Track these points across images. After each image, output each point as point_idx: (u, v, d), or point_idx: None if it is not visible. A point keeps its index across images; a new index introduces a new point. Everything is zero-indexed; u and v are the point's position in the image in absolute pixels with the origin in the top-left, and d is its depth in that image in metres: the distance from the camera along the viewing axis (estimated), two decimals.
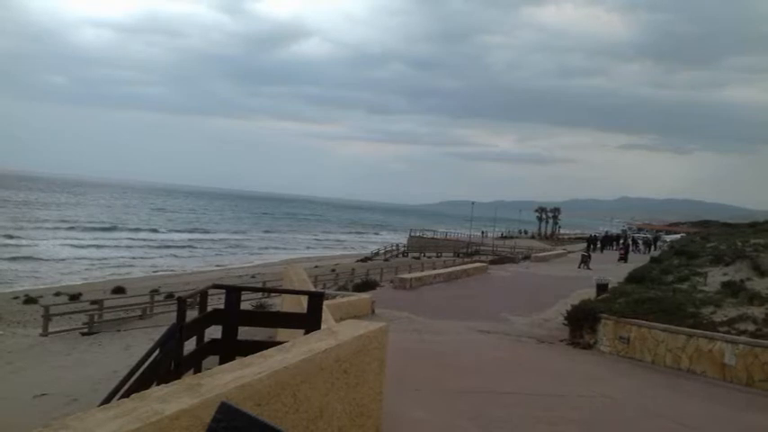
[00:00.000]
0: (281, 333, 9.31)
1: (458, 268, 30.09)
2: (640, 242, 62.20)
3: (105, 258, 55.68)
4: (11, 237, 63.13)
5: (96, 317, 22.47)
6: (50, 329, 21.31)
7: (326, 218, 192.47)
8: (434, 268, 34.41)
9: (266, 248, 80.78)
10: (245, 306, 8.40)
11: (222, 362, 6.15)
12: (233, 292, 6.46)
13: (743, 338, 11.19)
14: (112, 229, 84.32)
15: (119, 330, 21.80)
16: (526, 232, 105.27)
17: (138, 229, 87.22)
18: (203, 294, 6.54)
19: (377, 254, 64.84)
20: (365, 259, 60.04)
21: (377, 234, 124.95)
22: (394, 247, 68.77)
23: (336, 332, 4.77)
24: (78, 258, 54.01)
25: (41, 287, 37.52)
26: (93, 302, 24.82)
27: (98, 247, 63.61)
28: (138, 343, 17.57)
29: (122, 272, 48.42)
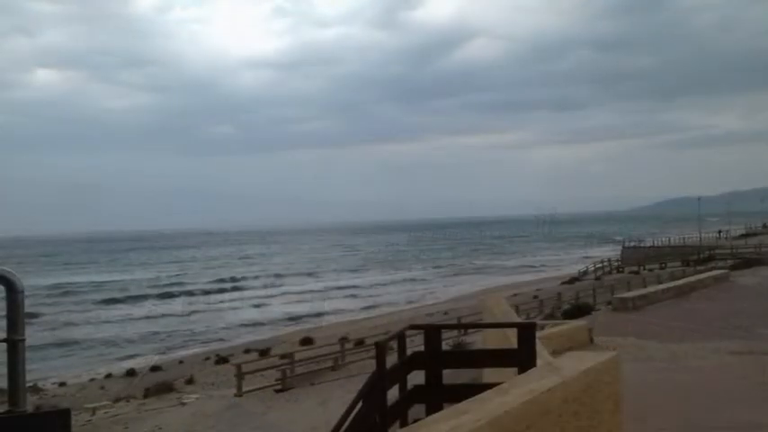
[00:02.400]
0: (488, 374, 9.28)
1: (690, 279, 28.29)
2: None
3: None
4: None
5: (288, 371, 24.02)
6: (244, 388, 23.16)
7: (521, 237, 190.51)
8: (659, 282, 32.76)
9: (456, 276, 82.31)
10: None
11: (429, 410, 6.26)
12: (433, 332, 6.58)
13: None
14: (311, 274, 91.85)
15: (312, 384, 23.12)
16: None
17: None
18: (401, 337, 6.72)
19: (585, 273, 62.67)
20: (572, 280, 58.26)
21: (583, 249, 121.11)
22: (605, 263, 65.98)
23: (559, 368, 4.65)
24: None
25: (229, 345, 41.12)
26: (282, 357, 26.63)
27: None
28: (335, 397, 18.49)
29: (309, 321, 51.66)
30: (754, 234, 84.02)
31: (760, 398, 9.79)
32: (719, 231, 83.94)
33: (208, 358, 35.21)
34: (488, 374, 9.06)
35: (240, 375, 23.46)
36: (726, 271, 31.50)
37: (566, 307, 31.61)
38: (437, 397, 6.39)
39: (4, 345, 3.61)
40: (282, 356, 26.80)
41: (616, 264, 66.79)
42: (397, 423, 6.25)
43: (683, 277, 33.22)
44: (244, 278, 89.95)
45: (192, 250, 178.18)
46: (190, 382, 27.85)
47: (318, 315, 55.23)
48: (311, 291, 74.03)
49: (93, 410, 23.42)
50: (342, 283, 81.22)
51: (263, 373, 25.18)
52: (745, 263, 42.05)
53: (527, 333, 6.42)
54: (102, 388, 29.52)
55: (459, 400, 3.99)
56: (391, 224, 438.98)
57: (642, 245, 77.76)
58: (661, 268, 57.24)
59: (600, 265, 65.53)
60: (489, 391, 4.07)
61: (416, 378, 6.73)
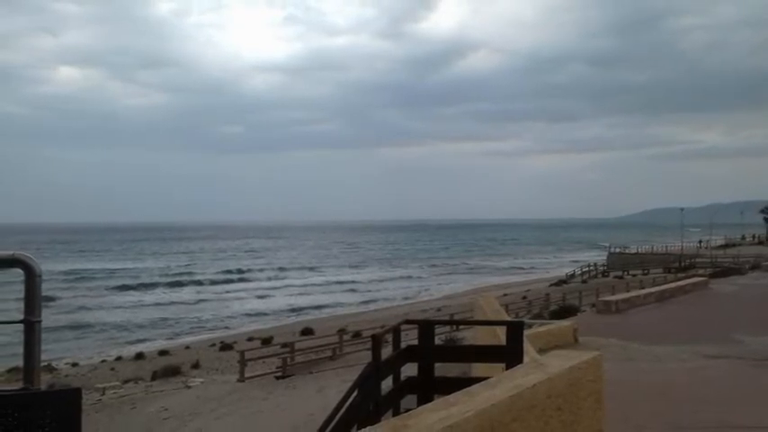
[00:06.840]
0: (477, 368, 9.27)
1: (671, 285, 28.15)
2: None
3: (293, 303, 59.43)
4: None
5: (288, 360, 24.05)
6: (246, 374, 23.17)
7: (514, 240, 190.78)
8: (642, 287, 32.65)
9: (450, 274, 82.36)
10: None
11: (420, 401, 6.26)
12: (426, 327, 6.58)
13: None
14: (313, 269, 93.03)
15: (311, 372, 23.12)
16: (754, 237, 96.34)
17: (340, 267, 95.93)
18: (396, 331, 6.72)
19: (572, 276, 62.72)
20: (559, 282, 58.32)
21: (571, 253, 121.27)
22: (592, 267, 65.99)
23: (544, 364, 4.65)
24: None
25: (233, 333, 41.18)
26: (283, 345, 26.65)
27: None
28: (331, 385, 18.48)
29: (310, 313, 51.76)
30: (733, 245, 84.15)
31: (735, 400, 9.79)
32: (700, 241, 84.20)
33: (213, 345, 35.24)
34: (477, 369, 9.05)
35: (243, 362, 23.49)
36: (705, 279, 31.37)
37: (553, 307, 31.63)
38: (428, 388, 6.38)
39: (22, 326, 3.61)
40: (283, 345, 26.84)
41: (602, 268, 66.83)
42: (390, 412, 6.26)
43: (665, 283, 33.22)
44: (249, 270, 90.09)
45: (202, 242, 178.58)
46: (195, 366, 27.89)
47: (319, 307, 55.35)
48: (313, 284, 74.18)
49: (104, 390, 23.45)
50: (342, 278, 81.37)
51: (265, 360, 25.22)
52: (724, 272, 41.89)
53: (515, 331, 6.42)
54: (113, 369, 29.55)
55: (449, 393, 3.98)
56: (391, 224, 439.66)
57: (627, 251, 77.77)
58: (644, 274, 57.28)
59: (587, 269, 65.58)
60: (478, 385, 4.07)
61: (410, 370, 6.74)
